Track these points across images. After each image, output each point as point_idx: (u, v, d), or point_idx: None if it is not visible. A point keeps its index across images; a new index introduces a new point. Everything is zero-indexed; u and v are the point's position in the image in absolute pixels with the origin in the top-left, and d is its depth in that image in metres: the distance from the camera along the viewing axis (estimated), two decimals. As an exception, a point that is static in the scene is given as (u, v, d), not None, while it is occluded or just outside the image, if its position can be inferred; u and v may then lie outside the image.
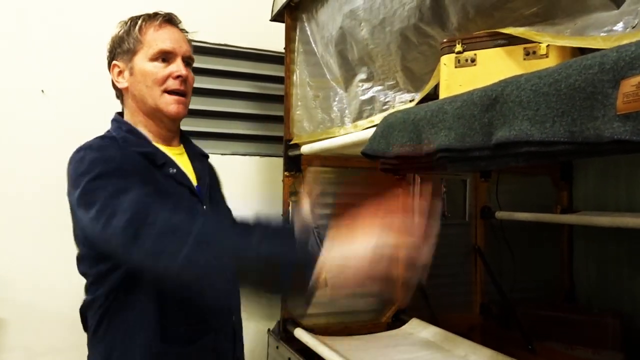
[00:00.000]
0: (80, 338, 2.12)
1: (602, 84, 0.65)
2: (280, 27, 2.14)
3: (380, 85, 1.64)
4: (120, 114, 1.29)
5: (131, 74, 1.20)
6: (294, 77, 2.07)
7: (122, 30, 1.22)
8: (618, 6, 0.84)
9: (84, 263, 1.18)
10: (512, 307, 2.26)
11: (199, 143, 1.44)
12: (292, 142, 2.05)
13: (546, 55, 1.02)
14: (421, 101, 1.42)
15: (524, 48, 1.05)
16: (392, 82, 1.60)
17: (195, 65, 1.32)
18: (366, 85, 1.69)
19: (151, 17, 1.21)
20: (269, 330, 2.15)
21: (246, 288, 0.98)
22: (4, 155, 2.08)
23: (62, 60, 2.16)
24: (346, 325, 2.17)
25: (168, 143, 1.25)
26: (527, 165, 0.83)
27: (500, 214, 2.37)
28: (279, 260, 0.87)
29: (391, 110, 1.50)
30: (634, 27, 0.78)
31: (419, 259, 0.83)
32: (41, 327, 2.08)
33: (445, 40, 1.18)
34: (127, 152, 1.11)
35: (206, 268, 0.88)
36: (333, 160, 2.15)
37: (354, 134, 1.58)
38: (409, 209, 0.83)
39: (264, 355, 2.14)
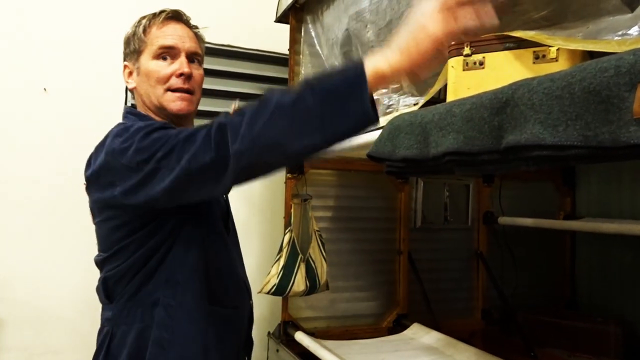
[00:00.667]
0: (79, 338, 2.12)
1: (618, 87, 0.63)
2: (285, 28, 2.13)
3: (384, 89, 1.63)
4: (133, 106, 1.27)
5: (138, 74, 1.19)
6: (299, 79, 2.06)
7: (130, 31, 1.21)
8: (632, 10, 0.83)
9: (120, 230, 1.11)
10: (514, 313, 2.24)
11: (202, 143, 1.43)
12: (295, 144, 2.04)
13: (556, 59, 1.01)
14: (425, 105, 1.41)
15: (534, 52, 1.04)
16: (396, 86, 1.58)
17: (199, 65, 1.31)
18: (371, 88, 1.68)
19: (156, 16, 1.19)
20: (269, 333, 2.13)
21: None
22: (4, 154, 2.07)
23: (64, 59, 2.16)
24: (347, 329, 2.15)
25: None
26: (530, 171, 0.81)
27: (503, 220, 2.35)
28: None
29: (395, 114, 1.48)
30: (648, 31, 0.77)
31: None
32: (40, 328, 2.07)
33: (453, 42, 1.16)
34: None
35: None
36: (335, 162, 2.14)
37: (358, 136, 1.57)
38: None
39: (264, 358, 2.13)
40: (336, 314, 2.16)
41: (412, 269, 2.25)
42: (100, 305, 1.21)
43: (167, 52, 1.16)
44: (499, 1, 0.87)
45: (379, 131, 1.26)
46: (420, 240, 2.33)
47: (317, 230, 2.02)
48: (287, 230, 2.00)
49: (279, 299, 2.03)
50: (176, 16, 1.21)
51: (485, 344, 2.28)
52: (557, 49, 1.00)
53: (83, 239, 2.17)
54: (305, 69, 2.05)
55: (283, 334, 2.04)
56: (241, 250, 1.35)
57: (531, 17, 1.09)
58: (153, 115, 1.18)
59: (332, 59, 1.86)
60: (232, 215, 1.34)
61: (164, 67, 1.15)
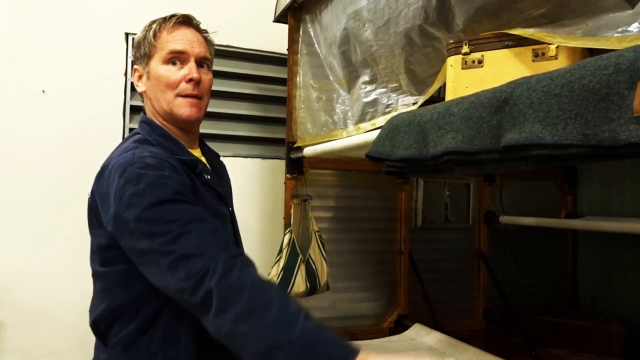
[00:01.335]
0: (78, 341, 2.11)
1: (618, 85, 0.63)
2: (283, 28, 2.12)
3: (383, 88, 1.62)
4: (144, 112, 1.25)
5: (148, 78, 1.19)
6: (297, 79, 2.05)
7: (140, 35, 1.20)
8: (632, 6, 0.82)
9: (110, 251, 1.09)
10: (516, 313, 2.23)
11: (200, 145, 1.43)
12: (295, 145, 2.03)
13: (555, 57, 1.00)
14: (424, 104, 1.40)
15: (533, 49, 1.03)
16: (395, 85, 1.57)
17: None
18: (369, 87, 1.67)
19: (166, 20, 1.19)
20: (269, 334, 2.12)
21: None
22: (4, 156, 2.06)
23: (63, 61, 2.15)
24: (348, 329, 2.14)
25: (190, 146, 1.23)
26: (531, 170, 0.80)
27: (504, 219, 2.34)
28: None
29: (394, 113, 1.48)
30: (649, 28, 0.76)
31: None
32: (39, 330, 2.06)
33: (451, 41, 1.15)
34: (174, 164, 1.07)
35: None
36: (335, 163, 2.13)
37: (356, 136, 1.56)
38: None
39: None
40: (337, 314, 2.16)
41: (412, 269, 2.24)
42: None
43: (176, 57, 1.16)
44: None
45: (378, 131, 1.26)
46: (420, 240, 2.32)
47: (317, 231, 2.01)
48: (287, 231, 1.99)
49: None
50: (186, 21, 1.20)
51: (486, 344, 2.27)
52: (557, 47, 0.99)
53: (82, 241, 2.16)
54: (304, 69, 2.04)
55: (283, 335, 2.03)
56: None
57: (530, 14, 1.08)
58: (162, 121, 1.18)
59: (331, 59, 1.86)
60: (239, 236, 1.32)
61: (173, 72, 1.15)
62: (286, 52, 2.10)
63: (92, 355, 1.17)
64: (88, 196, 1.15)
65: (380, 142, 1.20)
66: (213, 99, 2.30)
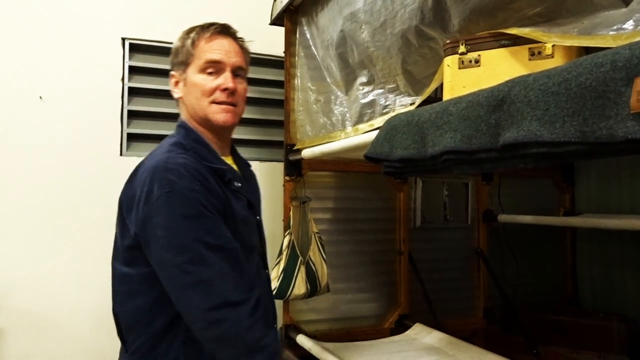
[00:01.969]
0: (80, 346, 2.11)
1: (615, 82, 0.63)
2: (280, 31, 2.13)
3: (380, 89, 1.63)
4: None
5: (184, 85, 1.21)
6: (295, 81, 2.06)
7: (179, 43, 1.23)
8: (627, 4, 0.83)
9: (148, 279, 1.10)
10: (516, 311, 2.24)
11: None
12: (295, 147, 2.04)
13: (552, 56, 1.01)
14: (421, 105, 1.40)
15: (529, 48, 1.04)
16: (392, 86, 1.58)
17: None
18: (367, 88, 1.68)
19: (204, 29, 1.21)
20: (270, 337, 2.12)
21: None
22: (2, 163, 2.06)
23: (60, 67, 2.15)
24: (348, 330, 2.14)
25: (222, 152, 1.25)
26: (529, 168, 0.81)
27: (503, 217, 2.35)
28: None
29: (392, 114, 1.48)
30: (644, 25, 0.77)
31: None
32: (39, 337, 2.06)
33: (448, 41, 1.16)
34: (204, 174, 1.10)
35: None
36: (333, 164, 2.13)
37: (355, 137, 1.57)
38: None
39: (266, 362, 2.11)
40: (337, 316, 2.16)
41: (412, 269, 2.24)
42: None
43: (213, 66, 1.18)
44: None
45: (376, 132, 1.26)
46: (420, 240, 2.32)
47: (317, 233, 2.02)
48: (286, 233, 1.99)
49: (280, 302, 2.02)
50: (224, 30, 1.22)
51: (487, 342, 2.27)
52: (553, 46, 1.00)
53: (83, 247, 2.16)
54: (301, 71, 2.05)
55: (285, 338, 2.03)
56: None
57: (526, 14, 1.08)
58: (197, 125, 1.20)
59: (328, 60, 1.86)
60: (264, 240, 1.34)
61: (209, 81, 1.18)
62: (283, 55, 2.11)
63: None
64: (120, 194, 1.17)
65: (378, 142, 1.21)
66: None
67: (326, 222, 2.15)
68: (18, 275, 2.05)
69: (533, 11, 1.06)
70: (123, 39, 2.23)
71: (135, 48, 2.26)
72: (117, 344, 1.17)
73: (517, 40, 1.06)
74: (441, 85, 1.22)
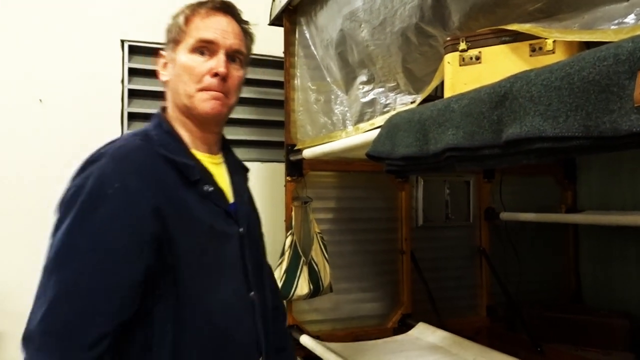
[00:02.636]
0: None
1: (618, 76, 0.63)
2: (279, 31, 2.12)
3: (381, 88, 1.62)
4: (164, 109, 1.11)
5: (173, 66, 1.05)
6: (295, 82, 2.05)
7: (171, 20, 1.07)
8: (628, -2, 0.83)
9: None
10: (519, 309, 2.23)
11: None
12: (296, 147, 2.03)
13: (553, 51, 1.00)
14: (422, 103, 1.40)
15: (530, 44, 1.04)
16: (393, 84, 1.58)
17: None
18: (367, 87, 1.67)
19: (201, 4, 1.05)
20: (273, 337, 2.12)
21: None
22: (3, 166, 2.06)
23: (60, 69, 2.15)
24: (352, 331, 2.14)
25: (208, 149, 1.09)
26: (530, 166, 0.81)
27: (505, 215, 2.35)
28: None
29: (392, 113, 1.48)
30: (645, 19, 0.77)
31: None
32: (42, 340, 2.05)
33: (448, 38, 1.16)
34: (157, 166, 0.97)
35: None
36: (335, 164, 2.13)
37: (356, 136, 1.56)
38: None
39: (269, 363, 2.11)
40: (341, 316, 2.15)
41: (415, 268, 2.24)
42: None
43: (205, 47, 1.02)
44: None
45: (377, 130, 1.26)
46: (422, 239, 2.32)
47: (319, 233, 2.01)
48: (288, 234, 1.99)
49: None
50: (224, 7, 1.06)
51: (491, 340, 2.27)
52: (554, 41, 1.00)
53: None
54: (301, 71, 2.04)
55: (288, 338, 2.03)
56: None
57: (526, 9, 1.08)
58: (179, 115, 1.06)
59: (327, 60, 1.86)
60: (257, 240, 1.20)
61: (199, 64, 1.02)
62: (282, 55, 2.10)
63: None
64: None
65: (380, 141, 1.20)
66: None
67: (328, 222, 2.14)
68: (18, 279, 2.04)
69: (533, 7, 1.06)
70: (122, 41, 2.23)
71: (135, 50, 2.26)
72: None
73: (517, 37, 1.05)
74: (441, 84, 1.22)
